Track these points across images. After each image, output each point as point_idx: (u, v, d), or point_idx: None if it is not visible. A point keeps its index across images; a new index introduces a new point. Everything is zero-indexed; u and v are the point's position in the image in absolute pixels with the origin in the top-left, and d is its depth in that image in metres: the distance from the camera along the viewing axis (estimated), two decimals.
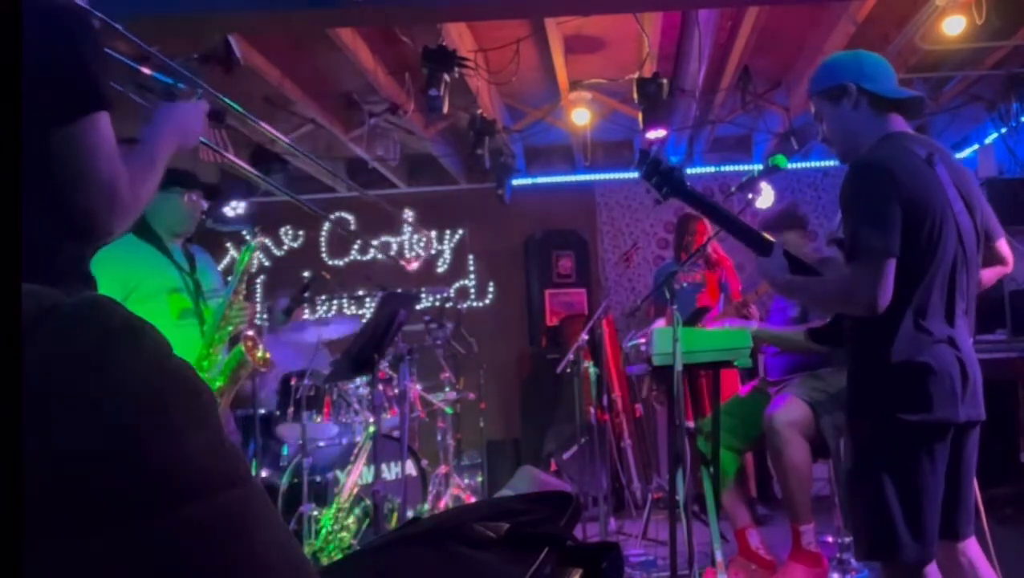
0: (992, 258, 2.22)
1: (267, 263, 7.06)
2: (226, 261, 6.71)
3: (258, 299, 7.01)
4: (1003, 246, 2.23)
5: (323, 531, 3.78)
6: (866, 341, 2.01)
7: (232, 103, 2.18)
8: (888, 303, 1.88)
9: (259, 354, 2.89)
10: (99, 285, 2.81)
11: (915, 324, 1.93)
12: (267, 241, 7.02)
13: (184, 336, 2.81)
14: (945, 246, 1.95)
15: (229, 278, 3.02)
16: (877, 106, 2.10)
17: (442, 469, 4.69)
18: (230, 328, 2.87)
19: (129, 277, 2.79)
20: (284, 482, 4.01)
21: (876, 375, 1.98)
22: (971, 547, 2.04)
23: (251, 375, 3.25)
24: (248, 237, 3.13)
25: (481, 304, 6.97)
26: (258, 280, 7.03)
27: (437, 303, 6.18)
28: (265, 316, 6.90)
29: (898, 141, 2.06)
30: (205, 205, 3.04)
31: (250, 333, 2.92)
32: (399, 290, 4.18)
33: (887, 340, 1.94)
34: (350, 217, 7.04)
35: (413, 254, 6.95)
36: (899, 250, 1.89)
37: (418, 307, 5.88)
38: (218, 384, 2.79)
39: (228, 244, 6.78)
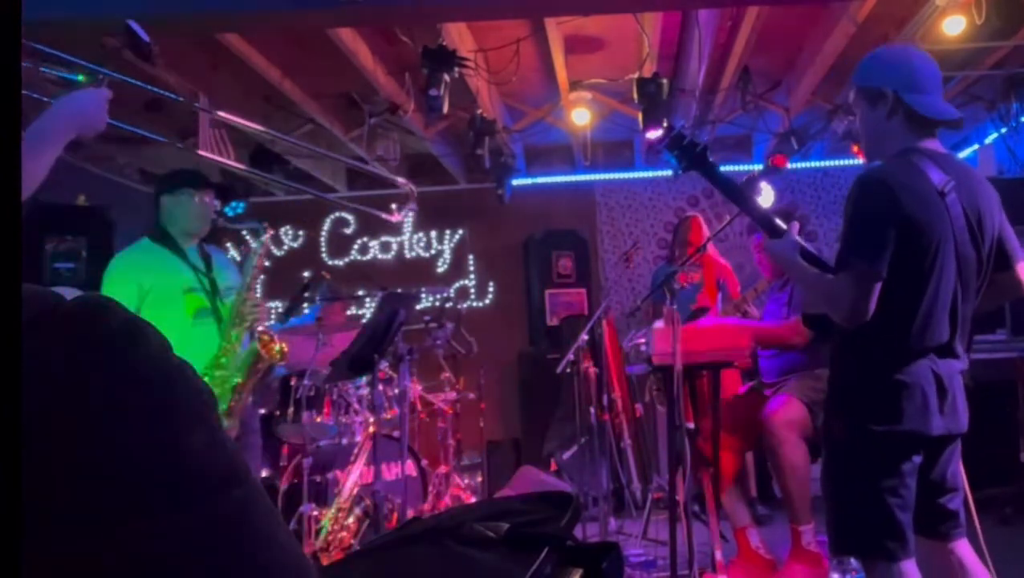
0: (1006, 282, 2.12)
1: (267, 263, 7.04)
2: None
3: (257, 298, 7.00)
4: (1022, 271, 2.13)
5: (323, 531, 3.78)
6: (847, 351, 2.04)
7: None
8: (867, 319, 1.89)
9: (276, 348, 2.90)
10: (115, 289, 2.84)
11: (897, 342, 1.94)
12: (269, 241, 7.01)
13: (202, 335, 2.84)
14: (941, 272, 1.94)
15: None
16: (913, 121, 2.04)
17: (442, 469, 4.69)
18: (246, 324, 2.89)
19: (144, 280, 2.83)
20: (284, 482, 4.01)
21: (851, 385, 2.02)
22: (961, 546, 2.06)
23: (268, 369, 3.25)
24: (260, 233, 3.15)
25: (481, 304, 6.97)
26: (258, 280, 7.02)
27: (437, 303, 6.18)
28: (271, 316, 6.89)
29: (914, 159, 2.00)
30: (218, 205, 3.06)
31: (263, 328, 2.94)
32: (399, 290, 4.18)
33: (866, 353, 1.97)
34: (350, 217, 7.04)
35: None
36: (887, 271, 1.89)
37: (418, 307, 5.88)
38: (236, 380, 2.81)
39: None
